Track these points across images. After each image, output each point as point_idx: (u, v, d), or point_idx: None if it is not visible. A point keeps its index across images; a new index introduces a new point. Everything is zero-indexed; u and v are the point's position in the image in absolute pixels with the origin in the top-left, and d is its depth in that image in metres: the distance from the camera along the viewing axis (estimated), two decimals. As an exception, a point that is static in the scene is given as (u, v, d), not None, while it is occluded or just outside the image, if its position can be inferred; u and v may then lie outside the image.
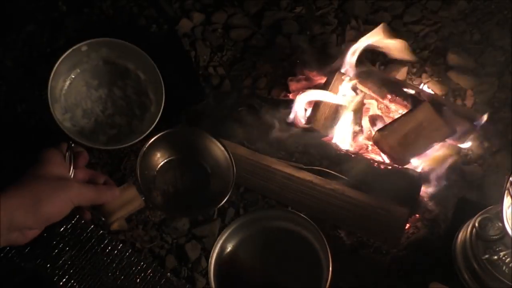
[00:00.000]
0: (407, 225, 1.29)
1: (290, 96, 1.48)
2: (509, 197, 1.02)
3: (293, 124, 1.38)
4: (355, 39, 1.47)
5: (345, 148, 1.35)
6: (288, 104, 1.40)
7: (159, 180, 1.18)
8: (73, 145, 1.00)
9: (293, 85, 1.49)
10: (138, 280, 1.20)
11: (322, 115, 1.37)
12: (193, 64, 1.61)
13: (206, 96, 1.54)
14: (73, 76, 1.37)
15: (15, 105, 1.53)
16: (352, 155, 1.32)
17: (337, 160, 1.30)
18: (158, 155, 1.18)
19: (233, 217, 1.34)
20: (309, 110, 1.40)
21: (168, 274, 1.22)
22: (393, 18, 1.68)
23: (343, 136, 1.37)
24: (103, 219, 1.01)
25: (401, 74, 1.53)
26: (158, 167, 1.18)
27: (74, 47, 1.30)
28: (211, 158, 1.19)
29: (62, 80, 1.35)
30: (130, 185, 1.03)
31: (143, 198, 1.05)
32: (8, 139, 1.47)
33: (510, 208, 1.05)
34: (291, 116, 1.39)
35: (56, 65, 1.28)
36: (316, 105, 1.38)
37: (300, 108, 1.39)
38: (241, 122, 1.36)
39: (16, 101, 1.53)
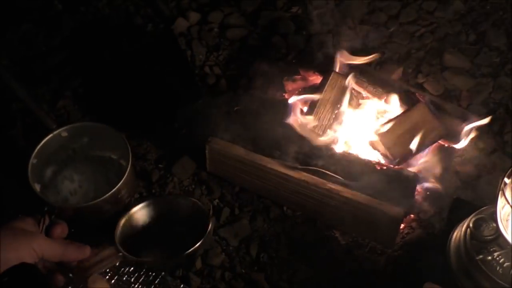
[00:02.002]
0: (402, 225, 1.29)
1: (286, 96, 1.48)
2: (503, 198, 1.02)
3: (289, 123, 1.38)
4: (351, 39, 1.48)
5: (341, 148, 1.35)
6: (284, 104, 1.40)
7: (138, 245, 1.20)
8: (53, 216, 1.01)
9: (289, 85, 1.49)
10: (133, 279, 1.20)
11: (318, 115, 1.37)
12: (189, 64, 1.61)
13: (202, 95, 1.54)
14: (57, 167, 1.32)
15: (10, 104, 1.53)
16: (348, 155, 1.32)
17: (332, 160, 1.30)
18: (136, 223, 1.21)
19: (228, 216, 1.34)
20: (305, 110, 1.39)
21: (163, 273, 1.22)
22: (389, 18, 1.68)
23: (338, 136, 1.37)
24: (70, 275, 1.03)
25: (396, 74, 1.53)
26: (138, 234, 1.21)
27: (55, 132, 1.28)
28: (188, 219, 1.22)
29: (50, 170, 1.31)
30: (106, 245, 1.08)
31: (120, 254, 1.09)
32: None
33: (504, 208, 1.05)
34: (287, 116, 1.38)
35: (35, 150, 1.26)
36: (312, 105, 1.38)
37: (296, 108, 1.39)
38: (236, 121, 1.36)
39: (11, 99, 1.53)
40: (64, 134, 1.30)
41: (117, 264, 1.12)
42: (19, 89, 1.49)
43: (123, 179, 1.22)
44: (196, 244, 1.14)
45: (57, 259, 0.96)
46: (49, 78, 1.60)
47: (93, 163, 1.35)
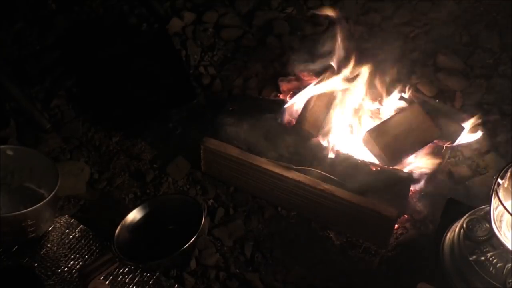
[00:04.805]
0: (396, 226, 1.29)
1: (281, 96, 1.49)
2: (496, 199, 1.03)
3: (283, 124, 1.38)
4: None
5: (335, 149, 1.35)
6: (279, 105, 1.40)
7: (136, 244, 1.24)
8: None
9: (283, 86, 1.49)
10: (127, 280, 1.20)
11: (313, 116, 1.38)
12: (184, 64, 1.60)
13: (196, 95, 1.54)
14: None
15: (4, 103, 1.52)
16: (342, 156, 1.32)
17: (327, 161, 1.30)
18: (133, 226, 1.26)
19: (223, 216, 1.34)
20: (300, 111, 1.40)
21: (157, 273, 1.22)
22: (383, 19, 1.69)
23: (333, 137, 1.38)
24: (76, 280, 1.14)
25: (391, 75, 1.54)
26: (135, 236, 1.25)
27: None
28: (182, 216, 1.26)
29: None
30: (106, 251, 1.17)
31: (118, 259, 1.16)
32: None
33: (498, 209, 1.05)
34: (282, 116, 1.39)
35: None
36: (306, 106, 1.38)
37: (290, 109, 1.40)
38: (231, 122, 1.36)
39: (5, 99, 1.52)
40: (10, 152, 1.28)
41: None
42: (13, 88, 1.49)
43: (32, 208, 1.18)
44: (191, 238, 1.18)
45: None
46: (43, 78, 1.59)
47: (17, 193, 1.30)
